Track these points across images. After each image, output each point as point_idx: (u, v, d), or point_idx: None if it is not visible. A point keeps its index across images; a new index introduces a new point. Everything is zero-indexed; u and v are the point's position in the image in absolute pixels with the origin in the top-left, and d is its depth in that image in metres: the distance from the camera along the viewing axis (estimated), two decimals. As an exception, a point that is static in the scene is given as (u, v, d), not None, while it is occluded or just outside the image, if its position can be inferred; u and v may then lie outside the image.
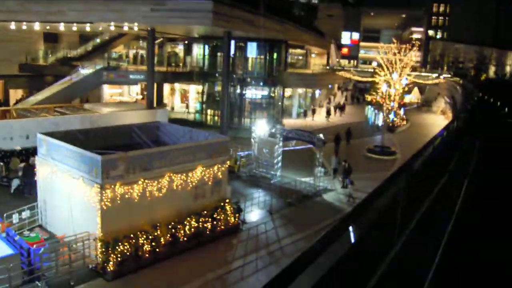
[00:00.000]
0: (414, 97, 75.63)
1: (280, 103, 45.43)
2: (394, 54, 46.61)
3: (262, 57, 43.12)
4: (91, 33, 47.14)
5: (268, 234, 18.71)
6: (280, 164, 26.39)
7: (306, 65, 65.65)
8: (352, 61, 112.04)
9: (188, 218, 16.72)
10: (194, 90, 48.82)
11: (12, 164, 24.21)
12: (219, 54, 42.30)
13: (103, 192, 14.36)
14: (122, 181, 14.87)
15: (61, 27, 32.14)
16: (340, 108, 57.31)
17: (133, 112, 32.05)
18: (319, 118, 52.00)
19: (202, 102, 45.29)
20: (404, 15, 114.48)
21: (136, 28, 31.66)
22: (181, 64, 47.32)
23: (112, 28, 31.99)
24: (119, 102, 44.50)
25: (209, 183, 18.00)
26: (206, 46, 43.91)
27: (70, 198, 15.81)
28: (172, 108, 50.70)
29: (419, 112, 64.45)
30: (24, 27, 32.34)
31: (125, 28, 31.97)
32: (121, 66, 40.04)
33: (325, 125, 46.76)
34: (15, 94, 46.19)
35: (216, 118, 42.66)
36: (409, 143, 36.91)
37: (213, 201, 18.17)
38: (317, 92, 61.27)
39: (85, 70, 38.01)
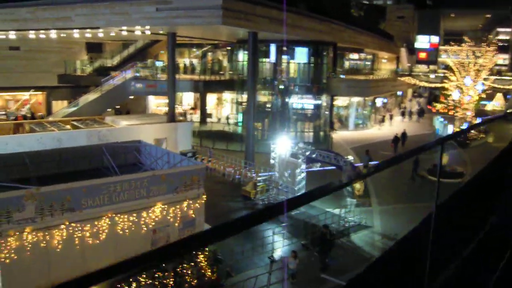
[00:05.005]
0: (498, 104, 66.22)
1: (327, 113, 40.17)
2: (467, 56, 39.73)
3: (306, 62, 38.12)
4: (131, 42, 45.34)
5: (256, 295, 13.97)
6: (303, 190, 21.53)
7: (373, 71, 59.63)
8: (432, 66, 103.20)
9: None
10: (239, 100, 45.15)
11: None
12: (261, 60, 38.13)
13: (2, 241, 10.69)
14: (34, 225, 11.12)
15: (76, 34, 29.79)
16: (419, 113, 53.95)
17: (150, 126, 28.70)
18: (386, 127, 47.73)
19: (242, 113, 41.36)
20: (489, 15, 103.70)
21: (148, 32, 28.43)
22: (222, 72, 43.83)
23: (125, 33, 29.07)
24: (146, 114, 41.62)
25: (176, 224, 13.76)
26: (246, 52, 39.84)
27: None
28: (218, 120, 47.59)
29: (502, 121, 55.49)
30: (42, 36, 30.46)
31: (138, 33, 28.88)
32: (153, 76, 37.17)
33: (380, 137, 41.07)
34: (62, 105, 45.42)
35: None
36: (485, 161, 29.96)
37: (182, 247, 13.88)
38: (380, 100, 54.86)
39: (114, 81, 35.68)
